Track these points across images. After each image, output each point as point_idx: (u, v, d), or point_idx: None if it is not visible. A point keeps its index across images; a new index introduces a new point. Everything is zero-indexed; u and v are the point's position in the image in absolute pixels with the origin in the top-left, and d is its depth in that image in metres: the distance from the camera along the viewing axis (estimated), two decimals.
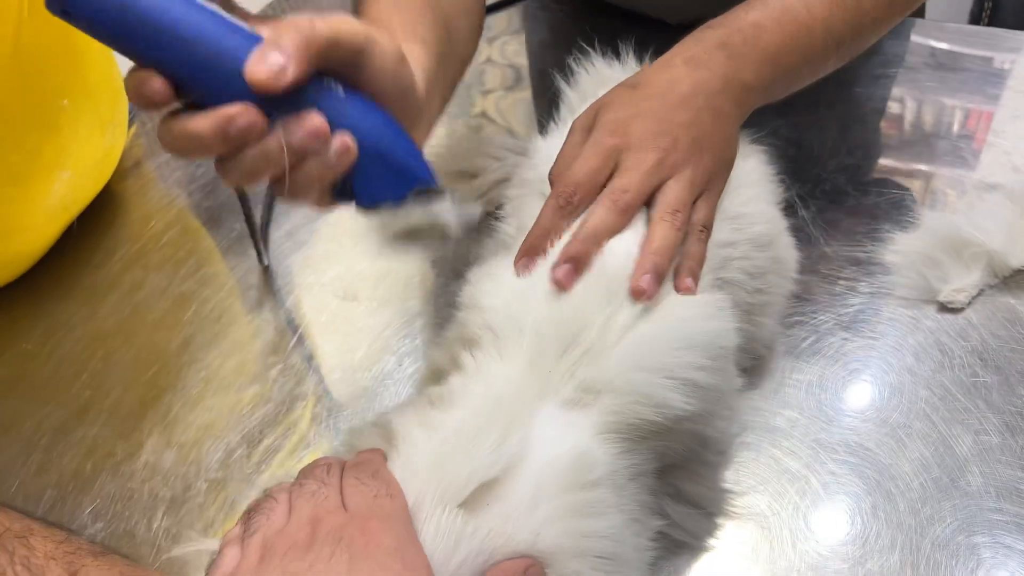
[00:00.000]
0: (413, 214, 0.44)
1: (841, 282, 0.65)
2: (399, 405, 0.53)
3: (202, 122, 0.37)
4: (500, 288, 0.48)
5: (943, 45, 0.88)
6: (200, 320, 0.69)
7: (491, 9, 0.96)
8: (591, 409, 0.44)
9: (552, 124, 0.63)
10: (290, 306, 0.69)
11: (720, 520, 0.51)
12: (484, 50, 0.93)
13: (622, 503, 0.42)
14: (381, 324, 0.66)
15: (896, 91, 0.82)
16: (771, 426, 0.56)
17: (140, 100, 0.38)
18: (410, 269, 0.70)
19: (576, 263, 0.47)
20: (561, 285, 0.47)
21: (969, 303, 0.61)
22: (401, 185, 0.43)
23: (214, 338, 0.67)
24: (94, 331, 0.69)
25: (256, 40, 0.38)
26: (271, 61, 0.37)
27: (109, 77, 0.75)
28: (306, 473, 0.41)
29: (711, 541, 0.50)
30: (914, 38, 0.88)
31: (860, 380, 0.58)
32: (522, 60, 0.93)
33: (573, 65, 0.64)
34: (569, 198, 0.50)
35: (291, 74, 0.37)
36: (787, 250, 0.58)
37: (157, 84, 0.37)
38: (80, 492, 0.58)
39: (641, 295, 0.46)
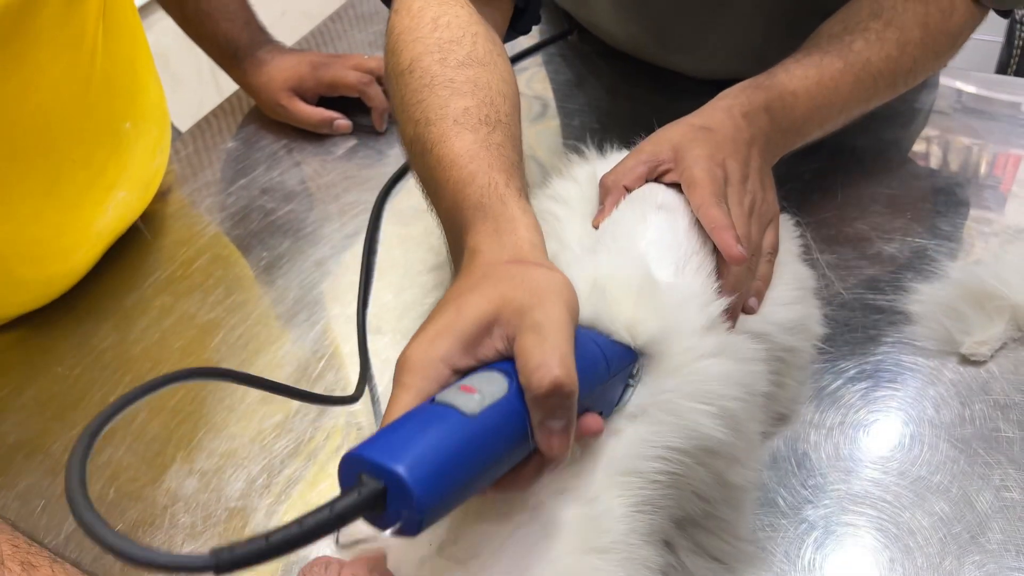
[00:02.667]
0: None
1: (863, 330, 0.65)
2: None
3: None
4: None
5: (971, 89, 0.88)
6: (227, 348, 0.70)
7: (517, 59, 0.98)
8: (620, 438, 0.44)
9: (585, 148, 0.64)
10: (315, 336, 0.70)
11: (740, 573, 0.50)
12: None
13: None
14: None
15: (922, 134, 0.83)
16: (789, 473, 0.56)
17: None
18: (434, 302, 0.71)
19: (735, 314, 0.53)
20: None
21: (992, 356, 0.61)
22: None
23: (240, 365, 0.68)
24: (123, 355, 0.70)
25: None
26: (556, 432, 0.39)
27: (160, 103, 0.78)
28: (305, 573, 0.41)
29: None
30: (942, 80, 0.89)
31: (881, 430, 0.58)
32: (548, 93, 0.94)
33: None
34: (744, 257, 0.52)
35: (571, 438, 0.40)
36: (813, 310, 0.60)
37: None
38: (104, 514, 0.59)
39: (740, 261, 0.50)
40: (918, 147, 0.82)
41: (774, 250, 0.58)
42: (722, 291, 0.51)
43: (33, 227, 0.67)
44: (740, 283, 0.53)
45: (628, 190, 0.55)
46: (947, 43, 0.67)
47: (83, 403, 0.67)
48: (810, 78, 0.61)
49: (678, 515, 0.46)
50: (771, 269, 0.57)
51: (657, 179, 0.56)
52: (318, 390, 0.66)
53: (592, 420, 0.41)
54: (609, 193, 0.56)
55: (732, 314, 0.52)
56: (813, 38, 0.66)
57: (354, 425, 0.63)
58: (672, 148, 0.56)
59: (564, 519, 0.41)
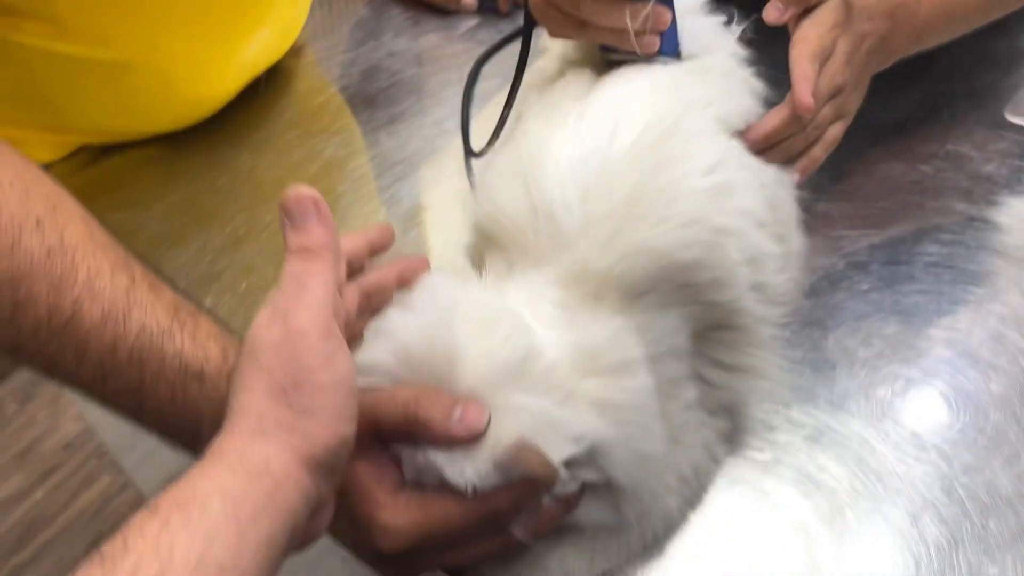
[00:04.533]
0: None
1: (950, 235, 0.67)
2: None
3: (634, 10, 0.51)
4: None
5: None
6: (350, 182, 0.76)
7: None
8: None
9: None
10: (425, 184, 0.76)
11: (765, 383, 0.53)
12: None
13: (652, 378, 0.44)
14: None
15: None
16: (852, 355, 0.60)
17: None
18: None
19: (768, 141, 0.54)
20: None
21: None
22: (671, 45, 0.56)
23: (358, 199, 0.75)
24: (255, 179, 0.77)
25: None
26: None
27: None
28: None
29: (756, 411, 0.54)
30: None
31: (953, 316, 0.62)
32: None
33: None
34: (809, 105, 0.53)
35: None
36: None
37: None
38: (235, 303, 0.66)
39: (807, 111, 0.52)
40: None
41: (834, 142, 0.60)
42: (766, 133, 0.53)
43: (190, 46, 0.73)
44: (789, 135, 0.55)
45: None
46: None
47: (218, 212, 0.74)
48: None
49: (691, 329, 0.47)
50: (823, 155, 0.59)
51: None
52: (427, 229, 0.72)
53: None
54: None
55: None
56: None
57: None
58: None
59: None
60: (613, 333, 0.42)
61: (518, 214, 0.46)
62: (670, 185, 0.45)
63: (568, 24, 0.56)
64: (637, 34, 0.52)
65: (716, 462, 0.51)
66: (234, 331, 0.64)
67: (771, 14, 0.55)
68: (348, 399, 0.36)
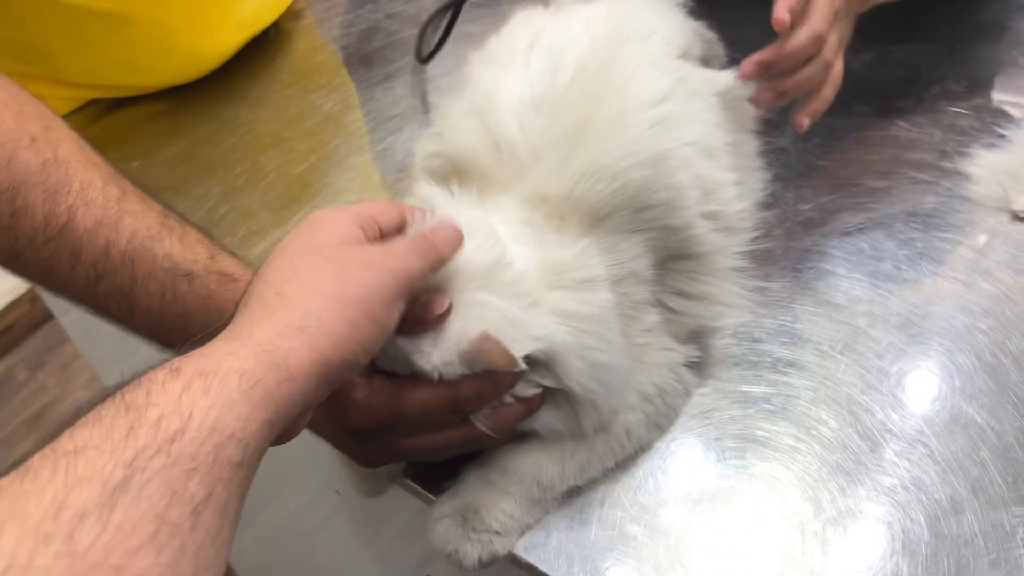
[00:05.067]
0: None
1: (923, 184, 0.70)
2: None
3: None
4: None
5: None
6: (346, 135, 0.79)
7: None
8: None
9: None
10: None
11: (725, 310, 0.55)
12: None
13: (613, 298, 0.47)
14: None
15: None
16: (849, 294, 0.62)
17: None
18: None
19: (764, 69, 0.57)
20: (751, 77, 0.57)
21: None
22: None
23: (355, 150, 0.78)
24: (256, 131, 0.80)
25: None
26: None
27: None
28: None
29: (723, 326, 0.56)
30: None
31: (923, 263, 0.64)
32: None
33: None
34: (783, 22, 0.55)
35: None
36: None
37: None
38: (235, 246, 0.69)
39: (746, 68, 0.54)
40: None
41: (839, 80, 0.61)
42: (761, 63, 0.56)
43: (187, 1, 0.76)
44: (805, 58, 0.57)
45: None
46: None
47: (220, 163, 0.77)
48: None
49: (652, 260, 0.50)
50: (832, 94, 0.61)
51: None
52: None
53: None
54: None
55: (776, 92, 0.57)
56: None
57: None
58: None
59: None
60: (579, 252, 0.45)
61: (480, 149, 0.50)
62: (614, 116, 0.48)
63: None
64: None
65: (684, 386, 0.53)
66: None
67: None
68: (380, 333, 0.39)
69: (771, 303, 0.62)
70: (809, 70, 0.59)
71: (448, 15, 0.84)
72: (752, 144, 0.60)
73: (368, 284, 0.38)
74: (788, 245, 0.65)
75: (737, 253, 0.55)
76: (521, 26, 0.56)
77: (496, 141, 0.49)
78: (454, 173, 0.53)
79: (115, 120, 0.82)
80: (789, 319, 0.61)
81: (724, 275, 0.53)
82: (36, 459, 0.29)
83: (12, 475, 0.29)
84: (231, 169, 0.76)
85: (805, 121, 0.60)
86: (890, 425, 0.55)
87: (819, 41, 0.57)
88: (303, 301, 0.37)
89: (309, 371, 0.35)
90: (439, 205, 0.47)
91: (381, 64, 0.87)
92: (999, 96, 0.79)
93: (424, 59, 0.85)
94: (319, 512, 0.82)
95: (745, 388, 0.57)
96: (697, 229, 0.50)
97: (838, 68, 0.61)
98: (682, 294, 0.51)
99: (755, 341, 0.60)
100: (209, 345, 0.35)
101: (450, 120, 0.53)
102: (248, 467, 0.33)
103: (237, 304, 0.42)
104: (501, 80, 0.51)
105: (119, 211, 0.47)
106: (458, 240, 0.45)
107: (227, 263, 0.51)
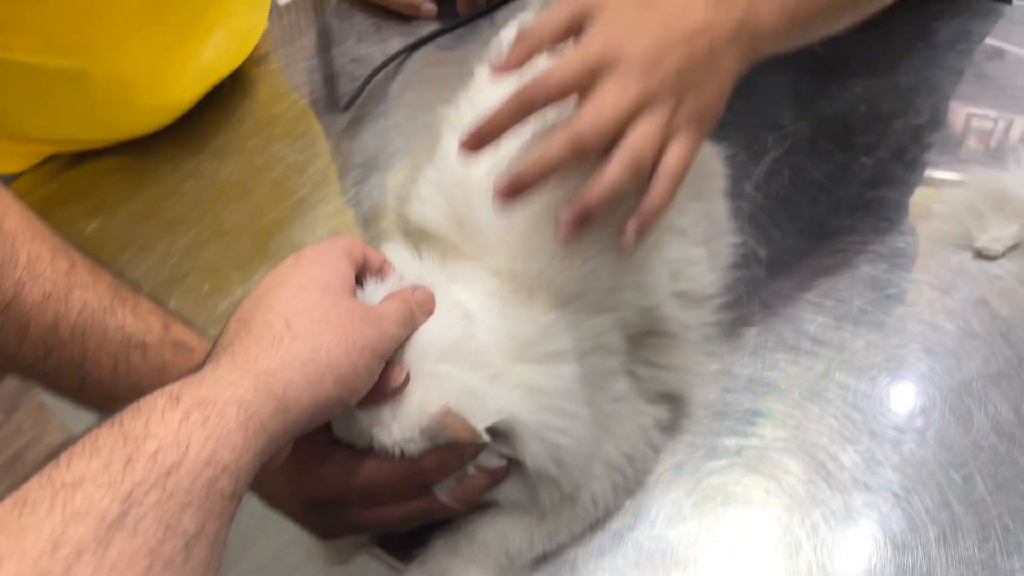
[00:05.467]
0: None
1: (887, 222, 0.70)
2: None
3: None
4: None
5: None
6: (311, 186, 0.78)
7: None
8: None
9: None
10: (386, 185, 0.78)
11: (695, 378, 0.55)
12: None
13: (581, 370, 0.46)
14: None
15: (992, 111, 0.85)
16: (800, 330, 0.63)
17: None
18: None
19: (515, 189, 0.44)
20: (503, 202, 0.44)
21: (1003, 253, 0.66)
22: None
23: (320, 201, 0.77)
24: (220, 182, 0.79)
25: None
26: None
27: None
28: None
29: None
30: (1012, 48, 0.90)
31: (891, 307, 0.64)
32: None
33: None
34: (532, 101, 0.44)
35: None
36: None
37: None
38: (198, 304, 0.69)
39: (559, 231, 0.43)
40: (988, 120, 0.84)
41: (677, 174, 0.45)
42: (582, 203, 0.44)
43: (145, 50, 0.75)
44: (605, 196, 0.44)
45: (543, 45, 0.46)
46: None
47: (182, 217, 0.76)
48: None
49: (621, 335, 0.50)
50: (666, 199, 0.45)
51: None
52: (388, 228, 0.74)
53: None
54: (521, 43, 0.46)
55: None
56: None
57: None
58: (596, 19, 0.46)
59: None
60: (545, 326, 0.45)
61: (446, 226, 0.50)
62: None
63: None
64: None
65: (654, 449, 0.53)
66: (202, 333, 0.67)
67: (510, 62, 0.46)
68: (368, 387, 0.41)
69: (738, 350, 0.61)
70: (615, 177, 0.43)
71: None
72: (722, 208, 0.60)
73: (370, 338, 0.40)
74: (753, 290, 0.65)
75: (707, 323, 0.54)
76: (490, 89, 0.55)
77: (463, 222, 0.49)
78: (422, 236, 0.53)
79: (75, 175, 0.81)
80: (758, 366, 0.61)
81: (694, 345, 0.53)
82: (33, 488, 0.30)
83: (10, 504, 0.29)
84: (194, 223, 0.75)
85: (631, 232, 0.45)
86: (858, 475, 0.55)
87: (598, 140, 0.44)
88: (315, 336, 0.38)
89: (306, 403, 0.36)
90: (406, 270, 0.47)
91: (347, 111, 0.86)
92: (960, 130, 0.80)
93: (344, 106, 0.85)
94: (290, 563, 0.81)
95: (715, 441, 0.57)
96: (667, 308, 0.50)
97: (672, 160, 0.45)
98: (651, 364, 0.51)
99: (725, 391, 0.59)
100: (210, 370, 0.36)
101: (418, 190, 0.53)
102: (237, 498, 0.33)
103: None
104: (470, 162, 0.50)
105: (68, 284, 0.47)
106: (431, 310, 0.45)
107: (182, 333, 0.50)
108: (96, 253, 0.72)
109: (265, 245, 0.73)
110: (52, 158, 0.82)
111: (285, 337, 0.37)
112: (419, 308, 0.45)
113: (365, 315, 0.41)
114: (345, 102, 0.85)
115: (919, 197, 0.72)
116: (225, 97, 0.87)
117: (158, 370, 0.47)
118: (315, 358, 0.37)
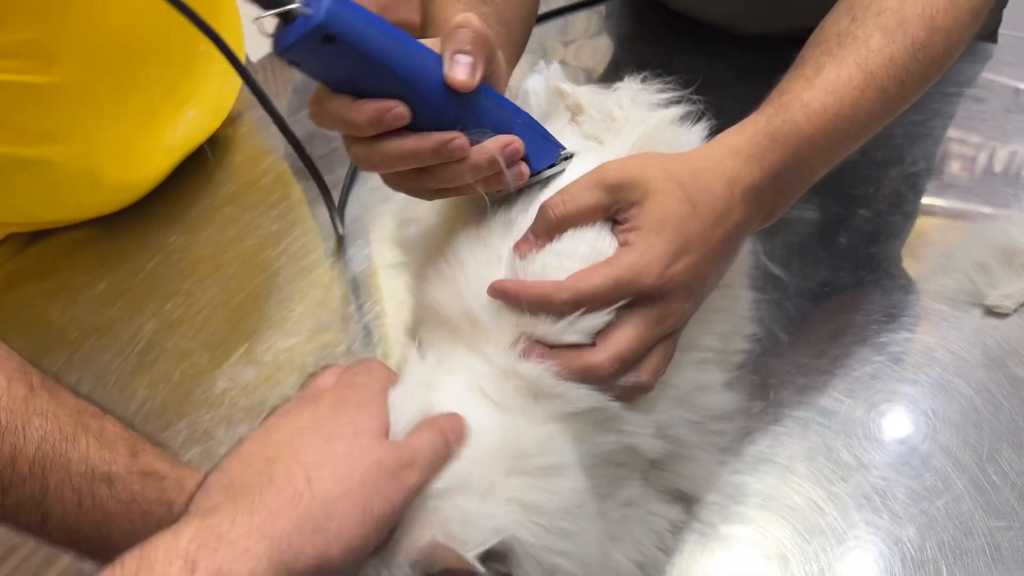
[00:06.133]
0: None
1: (892, 278, 0.67)
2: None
3: (421, 142, 0.43)
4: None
5: None
6: (287, 258, 0.75)
7: (572, 8, 1.00)
8: None
9: None
10: (369, 254, 0.74)
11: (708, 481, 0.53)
12: (559, 51, 0.97)
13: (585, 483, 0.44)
14: None
15: (975, 137, 0.83)
16: (811, 403, 0.59)
17: (377, 124, 0.43)
18: None
19: (508, 299, 0.45)
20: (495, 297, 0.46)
21: (1015, 309, 0.63)
22: (552, 153, 0.50)
23: (297, 274, 0.73)
24: (189, 257, 0.75)
25: (436, 57, 0.43)
26: (463, 62, 0.43)
27: (235, 29, 0.82)
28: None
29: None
30: (998, 77, 0.89)
31: (902, 370, 0.61)
32: (594, 64, 0.97)
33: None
34: (548, 302, 0.44)
35: (479, 73, 0.43)
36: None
37: (402, 110, 0.42)
38: (169, 393, 0.64)
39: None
40: (968, 147, 0.82)
41: (656, 370, 0.46)
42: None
43: (114, 131, 0.72)
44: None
45: (572, 223, 0.46)
46: None
47: (151, 296, 0.72)
48: (828, 110, 0.49)
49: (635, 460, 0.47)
50: (653, 379, 0.45)
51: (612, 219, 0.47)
52: (370, 300, 0.70)
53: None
54: (548, 224, 0.46)
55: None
56: (820, 40, 0.54)
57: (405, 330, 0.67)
58: (641, 208, 0.45)
59: None
60: (543, 437, 0.42)
61: (456, 317, 0.47)
62: None
63: (426, 180, 0.47)
64: (497, 176, 0.46)
65: (666, 553, 0.49)
66: (168, 424, 0.62)
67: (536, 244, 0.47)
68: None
69: (747, 428, 0.58)
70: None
71: None
72: (747, 300, 0.57)
73: (392, 501, 0.37)
74: (759, 361, 0.61)
75: (716, 441, 0.52)
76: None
77: (470, 316, 0.46)
78: (427, 316, 0.51)
79: (35, 253, 0.77)
80: (766, 444, 0.57)
81: (709, 454, 0.50)
82: None
83: None
84: (164, 303, 0.71)
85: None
86: (873, 547, 0.51)
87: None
88: (332, 501, 0.36)
89: (311, 569, 0.35)
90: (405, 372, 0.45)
91: (323, 175, 0.82)
92: (960, 176, 0.77)
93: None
94: None
95: (724, 529, 0.53)
96: (680, 431, 0.47)
97: (661, 364, 0.46)
98: (664, 468, 0.48)
99: (734, 472, 0.56)
100: (227, 525, 0.34)
101: (424, 280, 0.51)
102: None
103: (169, 503, 0.43)
104: (484, 272, 0.47)
105: (27, 413, 0.43)
106: (464, 439, 0.42)
107: (152, 459, 0.46)
108: (58, 339, 0.69)
109: (239, 324, 0.69)
110: (10, 237, 0.77)
111: (304, 495, 0.36)
112: (454, 437, 0.42)
113: (394, 470, 0.38)
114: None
115: (922, 250, 0.70)
116: (197, 163, 0.84)
117: (126, 503, 0.44)
118: (326, 527, 0.35)
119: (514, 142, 0.46)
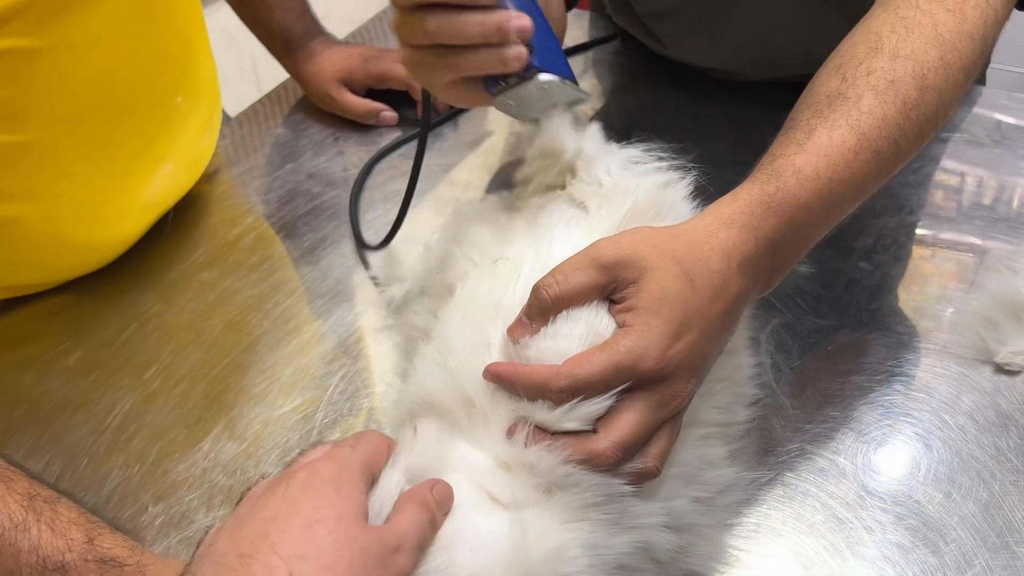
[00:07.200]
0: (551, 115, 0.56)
1: (897, 335, 0.65)
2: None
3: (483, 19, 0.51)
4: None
5: (1010, 119, 0.88)
6: (269, 322, 0.72)
7: (568, 53, 0.99)
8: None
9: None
10: (354, 317, 0.72)
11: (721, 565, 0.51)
12: None
13: None
14: None
15: (959, 165, 0.82)
16: (818, 468, 0.57)
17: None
18: None
19: (502, 383, 0.44)
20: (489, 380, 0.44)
21: None
22: (555, 65, 0.56)
23: (280, 341, 0.70)
24: (168, 325, 0.72)
25: None
26: None
27: (212, 82, 0.80)
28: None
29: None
30: (979, 110, 0.89)
31: (912, 432, 0.59)
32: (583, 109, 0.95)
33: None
34: (545, 389, 0.42)
35: None
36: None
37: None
38: (145, 473, 0.61)
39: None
40: (953, 175, 0.81)
41: (663, 454, 0.44)
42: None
43: (84, 190, 0.69)
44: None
45: (568, 304, 0.44)
46: (971, 49, 0.53)
47: (126, 367, 0.69)
48: (822, 175, 0.48)
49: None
50: (659, 464, 0.44)
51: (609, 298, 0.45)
52: (357, 368, 0.67)
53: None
54: (543, 306, 0.44)
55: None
56: (811, 102, 0.52)
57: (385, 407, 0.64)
58: (638, 286, 0.44)
59: None
60: (555, 548, 0.39)
61: (450, 402, 0.45)
62: None
63: (437, 65, 0.54)
64: (500, 46, 0.52)
65: None
66: (144, 508, 0.59)
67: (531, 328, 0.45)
68: None
69: (746, 498, 0.55)
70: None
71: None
72: (748, 366, 0.56)
73: None
74: (762, 427, 0.59)
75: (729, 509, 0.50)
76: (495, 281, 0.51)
77: (465, 399, 0.44)
78: (424, 408, 0.48)
79: (7, 322, 0.73)
80: (776, 516, 0.55)
81: (718, 533, 0.48)
82: None
83: None
84: (140, 375, 0.68)
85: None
86: None
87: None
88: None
89: None
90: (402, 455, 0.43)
91: (305, 233, 0.80)
92: (959, 226, 0.76)
93: (378, 246, 0.75)
94: None
95: None
96: (689, 517, 0.45)
97: (665, 448, 0.44)
98: (678, 551, 0.45)
99: (737, 537, 0.53)
100: None
101: (417, 366, 0.49)
102: None
103: None
104: (473, 354, 0.46)
105: None
106: (450, 507, 0.42)
107: (109, 546, 0.43)
108: (27, 415, 0.65)
109: (219, 397, 0.66)
110: None
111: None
112: (440, 508, 0.41)
113: (381, 556, 0.37)
114: (380, 242, 0.74)
115: (925, 306, 0.68)
116: (174, 224, 0.81)
117: None
118: None
119: (524, 20, 0.52)
